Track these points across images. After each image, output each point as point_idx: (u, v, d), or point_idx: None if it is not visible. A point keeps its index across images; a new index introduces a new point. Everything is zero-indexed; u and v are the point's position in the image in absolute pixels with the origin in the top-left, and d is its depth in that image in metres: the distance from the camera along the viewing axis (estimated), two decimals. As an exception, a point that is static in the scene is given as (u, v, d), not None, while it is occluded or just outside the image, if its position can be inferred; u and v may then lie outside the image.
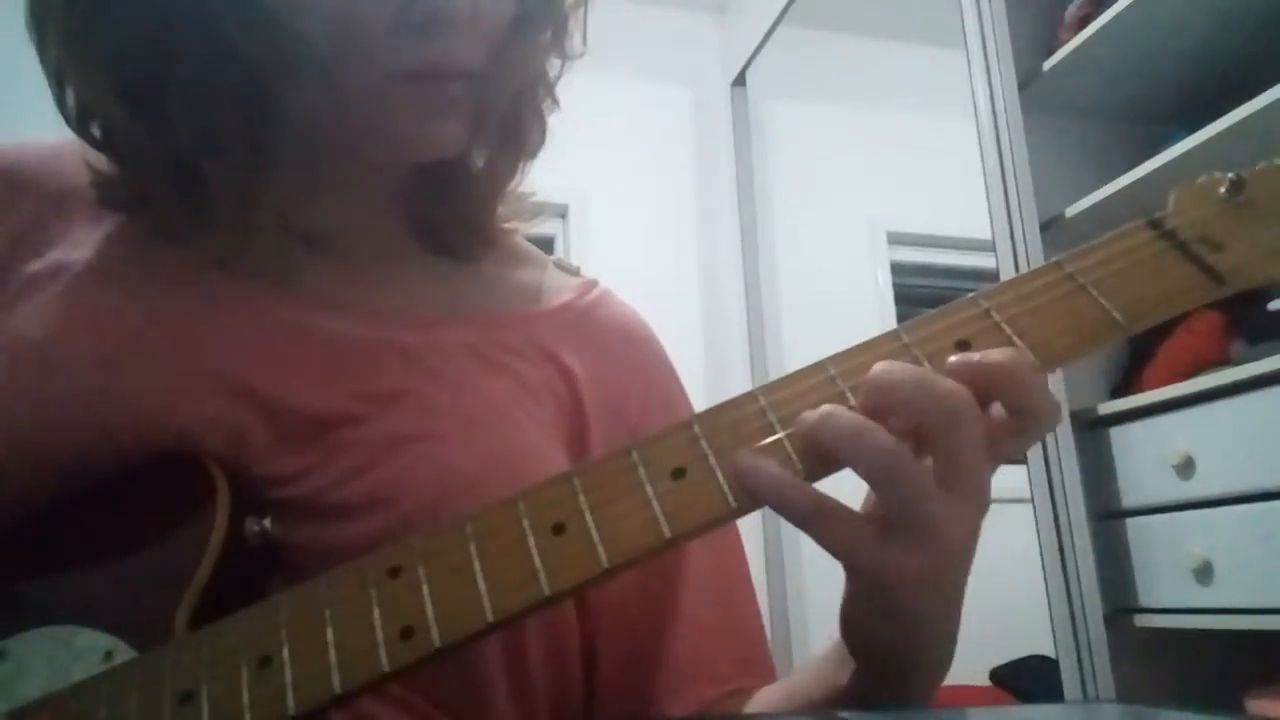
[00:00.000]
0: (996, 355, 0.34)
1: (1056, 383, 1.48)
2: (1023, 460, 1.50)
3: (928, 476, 0.33)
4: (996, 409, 0.35)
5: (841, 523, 0.33)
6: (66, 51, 0.45)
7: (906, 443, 0.33)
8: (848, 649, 0.39)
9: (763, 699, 0.49)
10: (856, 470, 0.33)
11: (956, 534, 0.33)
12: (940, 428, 0.33)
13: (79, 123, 0.47)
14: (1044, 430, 0.35)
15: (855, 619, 0.37)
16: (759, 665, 0.53)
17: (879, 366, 0.34)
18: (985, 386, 0.34)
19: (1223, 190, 0.39)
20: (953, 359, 0.34)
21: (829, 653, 0.42)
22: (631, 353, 0.57)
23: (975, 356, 0.34)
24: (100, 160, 0.48)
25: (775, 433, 0.34)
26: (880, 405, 0.33)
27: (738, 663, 0.52)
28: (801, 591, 2.46)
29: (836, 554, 0.34)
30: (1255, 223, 0.38)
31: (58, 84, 0.46)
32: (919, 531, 0.33)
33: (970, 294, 0.37)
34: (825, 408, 0.33)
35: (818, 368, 0.36)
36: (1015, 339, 0.35)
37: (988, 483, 0.34)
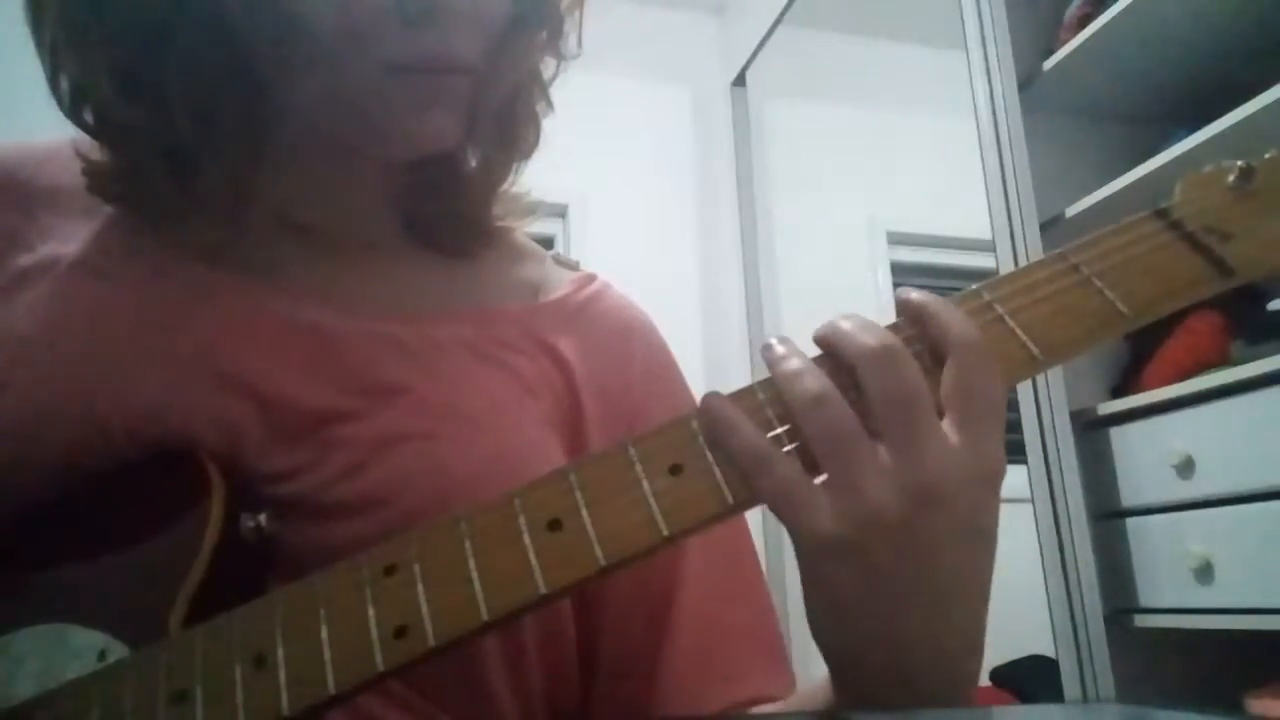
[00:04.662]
0: (914, 294, 0.36)
1: (1057, 382, 1.48)
2: (1023, 460, 1.50)
3: (853, 422, 0.33)
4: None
5: (780, 464, 0.33)
6: (63, 32, 0.44)
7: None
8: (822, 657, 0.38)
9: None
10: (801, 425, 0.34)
11: (872, 489, 0.32)
12: (864, 367, 0.34)
13: (72, 106, 0.46)
14: (974, 366, 0.34)
15: (807, 609, 0.36)
16: (777, 669, 0.50)
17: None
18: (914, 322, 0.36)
19: (1231, 179, 0.38)
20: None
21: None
22: (630, 343, 0.56)
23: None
24: (92, 148, 0.48)
25: (775, 428, 0.34)
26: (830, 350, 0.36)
27: (752, 663, 0.49)
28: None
29: (771, 504, 0.34)
30: (1266, 212, 0.37)
31: (52, 66, 0.45)
32: (840, 483, 0.33)
33: (974, 286, 0.37)
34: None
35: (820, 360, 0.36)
36: (1018, 331, 0.35)
37: (924, 446, 0.33)
